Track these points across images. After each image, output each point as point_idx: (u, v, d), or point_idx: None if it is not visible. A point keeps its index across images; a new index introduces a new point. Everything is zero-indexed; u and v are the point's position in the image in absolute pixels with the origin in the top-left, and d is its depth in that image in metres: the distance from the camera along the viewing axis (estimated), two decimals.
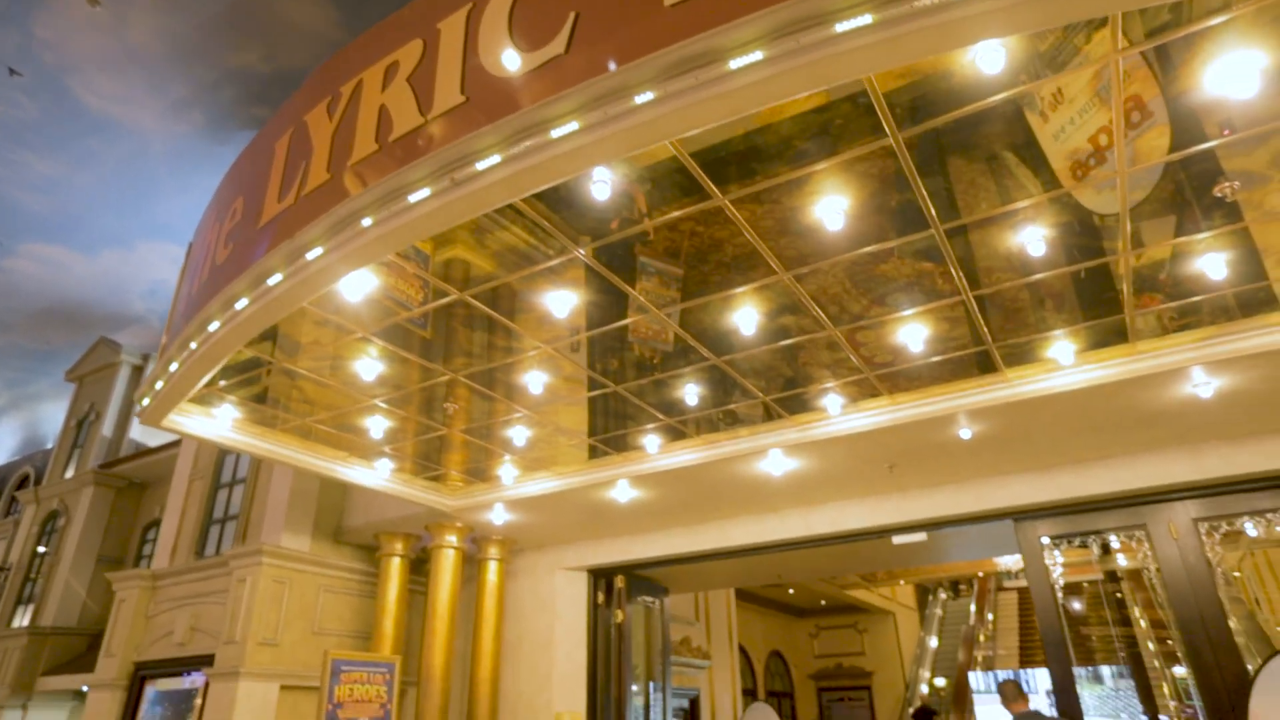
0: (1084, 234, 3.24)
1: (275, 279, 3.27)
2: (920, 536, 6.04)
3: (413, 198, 2.85)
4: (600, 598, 7.47)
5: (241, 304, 3.48)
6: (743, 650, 17.14)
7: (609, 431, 5.20)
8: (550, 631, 7.22)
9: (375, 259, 3.15)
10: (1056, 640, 5.43)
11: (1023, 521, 5.73)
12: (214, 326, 3.66)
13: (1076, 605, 14.56)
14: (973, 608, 20.71)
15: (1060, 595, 5.59)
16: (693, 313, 3.77)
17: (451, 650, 6.62)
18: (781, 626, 19.30)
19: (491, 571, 7.14)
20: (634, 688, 7.70)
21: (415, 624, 7.23)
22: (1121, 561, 9.47)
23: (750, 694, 17.08)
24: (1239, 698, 4.40)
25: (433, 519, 6.70)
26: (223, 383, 4.30)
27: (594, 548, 7.33)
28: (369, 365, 4.18)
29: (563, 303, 3.62)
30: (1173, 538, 5.23)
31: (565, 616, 7.28)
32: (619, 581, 7.48)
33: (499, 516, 6.54)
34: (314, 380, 4.39)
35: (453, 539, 6.82)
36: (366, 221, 2.97)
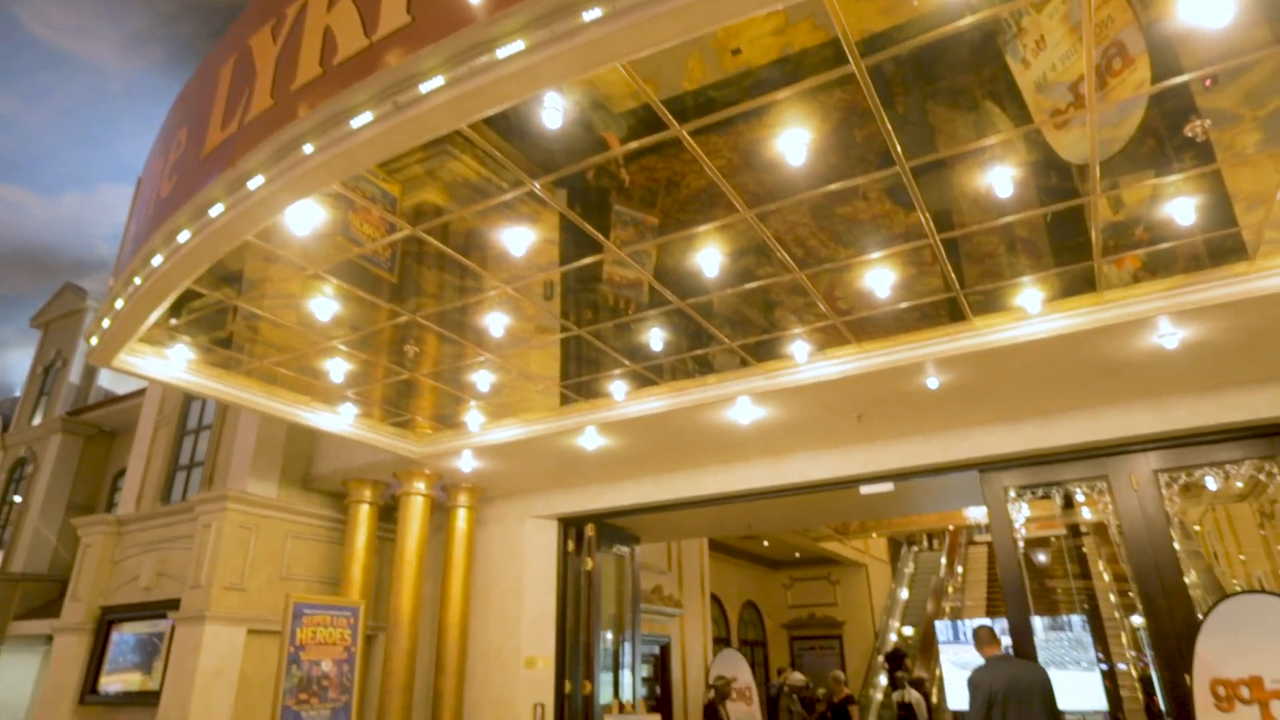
0: (1054, 174, 3.17)
1: (217, 210, 3.13)
2: (887, 487, 6.07)
3: (355, 123, 2.71)
4: (570, 546, 7.49)
5: (184, 237, 3.34)
6: (717, 600, 17.43)
7: (575, 377, 5.14)
8: (520, 579, 7.24)
9: (318, 188, 3.02)
10: (1016, 587, 5.50)
11: (988, 472, 5.77)
12: (157, 261, 3.53)
13: (1041, 557, 14.90)
14: (943, 561, 21.17)
15: (1022, 545, 5.65)
16: (655, 253, 3.68)
17: (420, 596, 6.64)
18: (756, 578, 19.62)
19: (461, 519, 7.13)
20: (607, 635, 7.79)
21: (384, 570, 7.23)
22: (1086, 514, 9.64)
23: (723, 642, 17.42)
24: (1187, 642, 4.49)
25: (401, 466, 6.65)
26: (174, 321, 4.17)
27: (564, 496, 7.33)
28: (325, 305, 4.07)
29: (519, 240, 3.51)
30: (1133, 489, 5.28)
31: (535, 564, 7.31)
32: (589, 530, 7.50)
33: (467, 464, 6.50)
34: (270, 320, 4.28)
35: (421, 486, 6.78)
36: (308, 148, 2.84)
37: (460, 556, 7.02)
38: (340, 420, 5.71)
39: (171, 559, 6.92)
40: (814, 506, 7.17)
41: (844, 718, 10.85)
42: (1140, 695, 13.12)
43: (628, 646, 7.84)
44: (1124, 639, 14.26)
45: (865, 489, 6.14)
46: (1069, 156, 3.08)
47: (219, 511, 6.47)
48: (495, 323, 4.29)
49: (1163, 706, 4.92)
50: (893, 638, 18.67)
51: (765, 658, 19.08)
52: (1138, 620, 14.05)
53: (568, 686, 7.01)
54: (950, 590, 19.92)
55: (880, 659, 18.13)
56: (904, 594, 21.32)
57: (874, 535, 16.65)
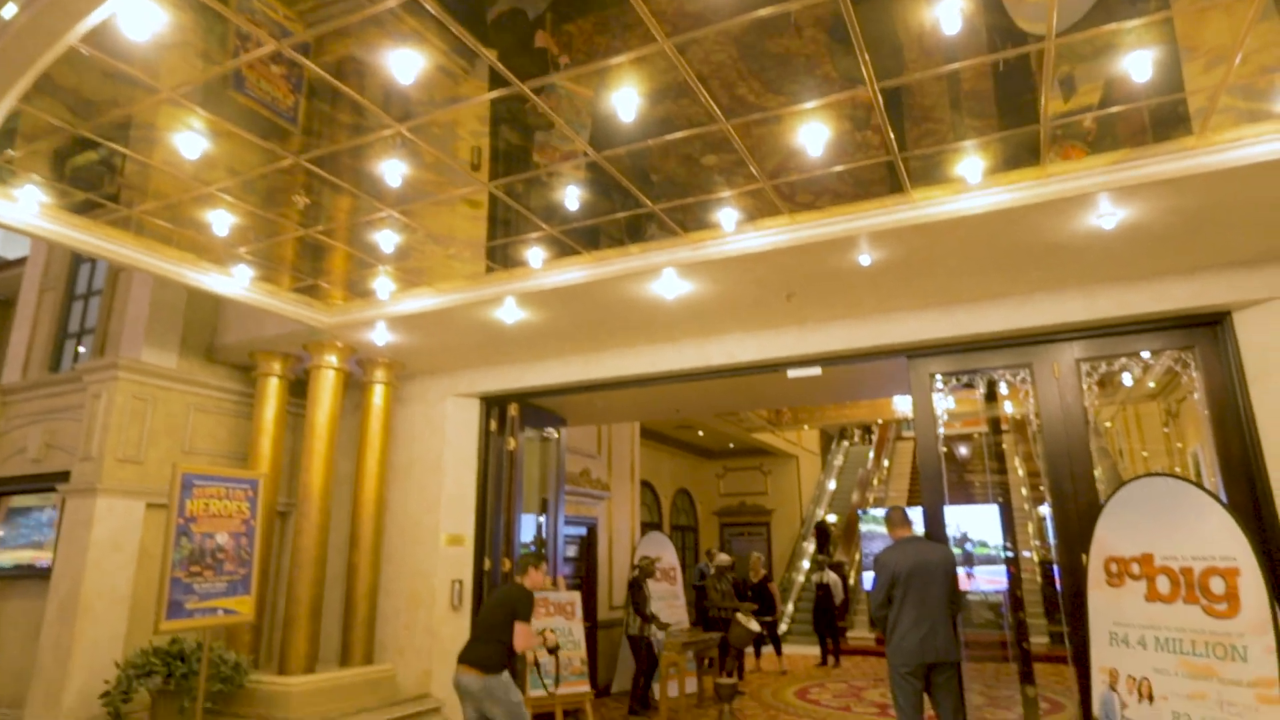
0: (1005, 14, 2.85)
1: (9, 11, 2.60)
2: (815, 371, 5.97)
3: None
4: (493, 425, 7.30)
5: None
6: (650, 487, 17.76)
7: (489, 241, 4.77)
8: (440, 457, 7.06)
9: None
10: (933, 473, 5.53)
11: (916, 358, 5.69)
12: None
13: (963, 450, 15.50)
14: (870, 455, 21.95)
15: (943, 437, 5.65)
16: (566, 92, 3.28)
17: (331, 471, 6.40)
18: (690, 467, 20.02)
19: (377, 395, 6.83)
20: (537, 518, 7.74)
21: (299, 447, 6.94)
22: (1007, 409, 9.89)
23: (655, 527, 17.89)
24: (1088, 525, 4.57)
25: (310, 338, 6.26)
26: (12, 153, 3.62)
27: (487, 374, 7.07)
28: (191, 140, 3.57)
29: (406, 66, 3.06)
30: (1054, 377, 5.27)
31: (456, 442, 7.12)
32: (512, 409, 7.30)
33: (380, 336, 6.14)
34: (131, 158, 3.76)
35: (333, 359, 6.42)
36: None
37: (377, 433, 6.76)
38: (234, 283, 5.25)
39: (61, 430, 6.49)
40: (742, 390, 7.08)
41: (763, 596, 11.29)
42: (1039, 578, 14.01)
43: (554, 526, 7.82)
44: (1030, 528, 15.12)
45: (793, 372, 6.03)
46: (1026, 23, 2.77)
47: (109, 381, 6.03)
48: (391, 171, 3.85)
49: (1058, 586, 5.08)
50: (817, 523, 19.47)
51: (696, 542, 19.74)
52: (1044, 510, 14.87)
53: (486, 563, 6.98)
54: (875, 482, 20.76)
55: (810, 530, 19.00)
56: (832, 485, 22.14)
57: (805, 427, 16.99)
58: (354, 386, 7.05)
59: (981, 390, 6.25)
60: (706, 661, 9.22)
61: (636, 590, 8.62)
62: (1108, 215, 4.00)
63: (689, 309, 5.51)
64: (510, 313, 5.60)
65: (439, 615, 6.73)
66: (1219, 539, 3.75)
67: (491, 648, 4.61)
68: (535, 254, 4.88)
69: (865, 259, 4.56)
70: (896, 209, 4.17)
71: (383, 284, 5.42)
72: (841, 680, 10.61)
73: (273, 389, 6.56)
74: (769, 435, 18.10)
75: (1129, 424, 13.82)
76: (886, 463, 21.35)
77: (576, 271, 5.04)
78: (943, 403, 5.73)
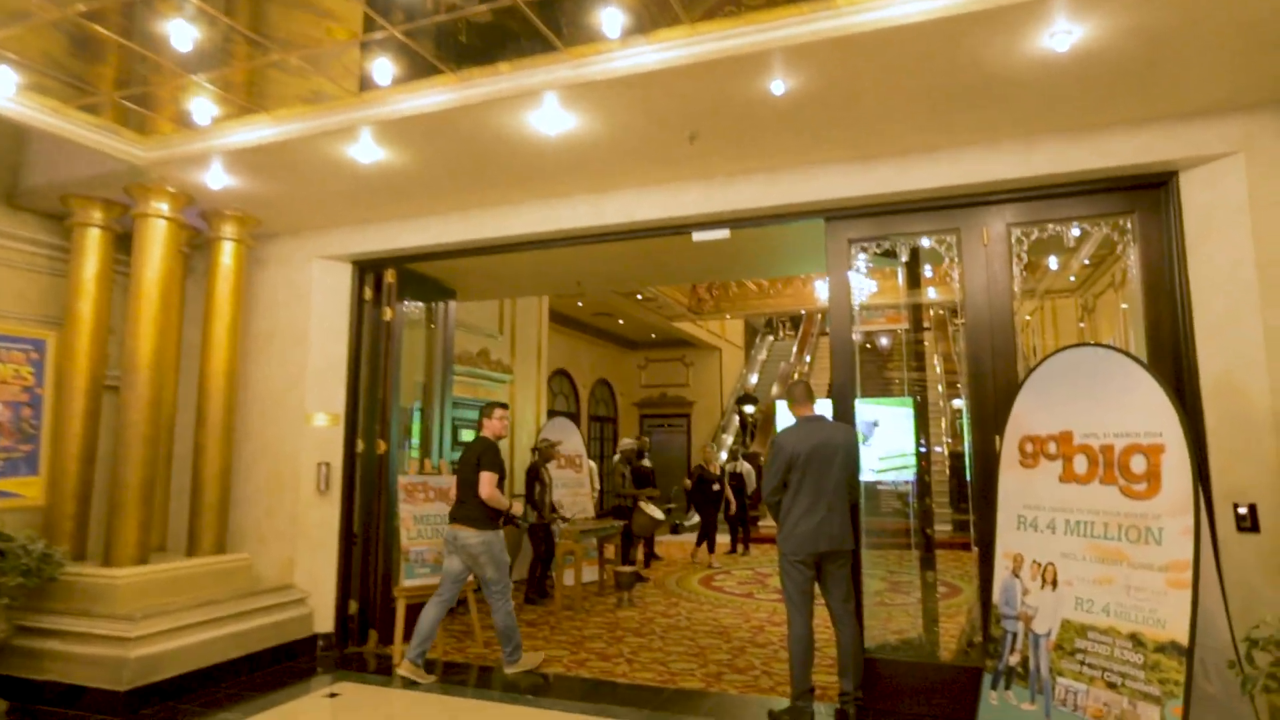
0: None
1: None
2: (723, 234, 5.31)
3: None
4: (367, 293, 6.46)
5: None
6: (568, 376, 17.24)
7: (308, 45, 3.82)
8: (305, 326, 6.23)
9: None
10: (846, 357, 5.03)
11: (834, 221, 5.09)
12: None
13: (884, 341, 15.40)
14: (794, 349, 21.89)
15: (858, 307, 5.13)
16: None
17: (167, 339, 5.51)
18: (611, 357, 19.55)
19: (227, 254, 5.88)
20: (414, 395, 7.05)
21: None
22: (931, 295, 9.59)
23: (573, 416, 17.50)
24: (1004, 407, 4.17)
25: (133, 179, 5.22)
26: None
27: (358, 234, 6.18)
28: None
29: None
30: (983, 245, 4.75)
31: (324, 311, 6.28)
32: (389, 276, 6.46)
33: (217, 179, 5.16)
34: None
35: (163, 207, 5.41)
36: None
37: (227, 296, 5.85)
38: None
39: None
40: (646, 258, 6.41)
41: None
42: (947, 469, 14.24)
43: (440, 408, 7.16)
44: (943, 423, 15.32)
45: (698, 235, 5.37)
46: None
47: None
48: None
49: (968, 475, 4.75)
50: (736, 418, 19.46)
51: (615, 433, 19.52)
52: (958, 404, 15.03)
53: (360, 445, 6.30)
54: (796, 376, 20.74)
55: (733, 402, 19.05)
56: (754, 379, 22.07)
57: (728, 317, 16.59)
58: (204, 246, 6.07)
59: (903, 275, 5.75)
60: (612, 550, 8.94)
61: (534, 476, 8.14)
62: (1062, 33, 3.35)
63: (578, 155, 4.72)
64: (367, 150, 4.70)
65: (304, 500, 6.08)
66: (1146, 414, 3.35)
67: (473, 505, 5.22)
68: (383, 68, 3.97)
69: (778, 85, 3.83)
70: (817, 17, 3.42)
71: (201, 106, 4.42)
72: (748, 567, 10.58)
73: (93, 242, 5.54)
74: (691, 326, 17.66)
75: (1044, 321, 13.87)
76: (809, 358, 21.32)
77: (438, 95, 4.16)
78: (862, 282, 5.20)
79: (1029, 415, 3.90)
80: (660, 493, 10.27)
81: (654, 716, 4.51)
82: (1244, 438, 3.96)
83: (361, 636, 6.15)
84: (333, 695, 4.93)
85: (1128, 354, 3.49)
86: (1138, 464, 3.34)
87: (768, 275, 6.75)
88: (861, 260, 5.15)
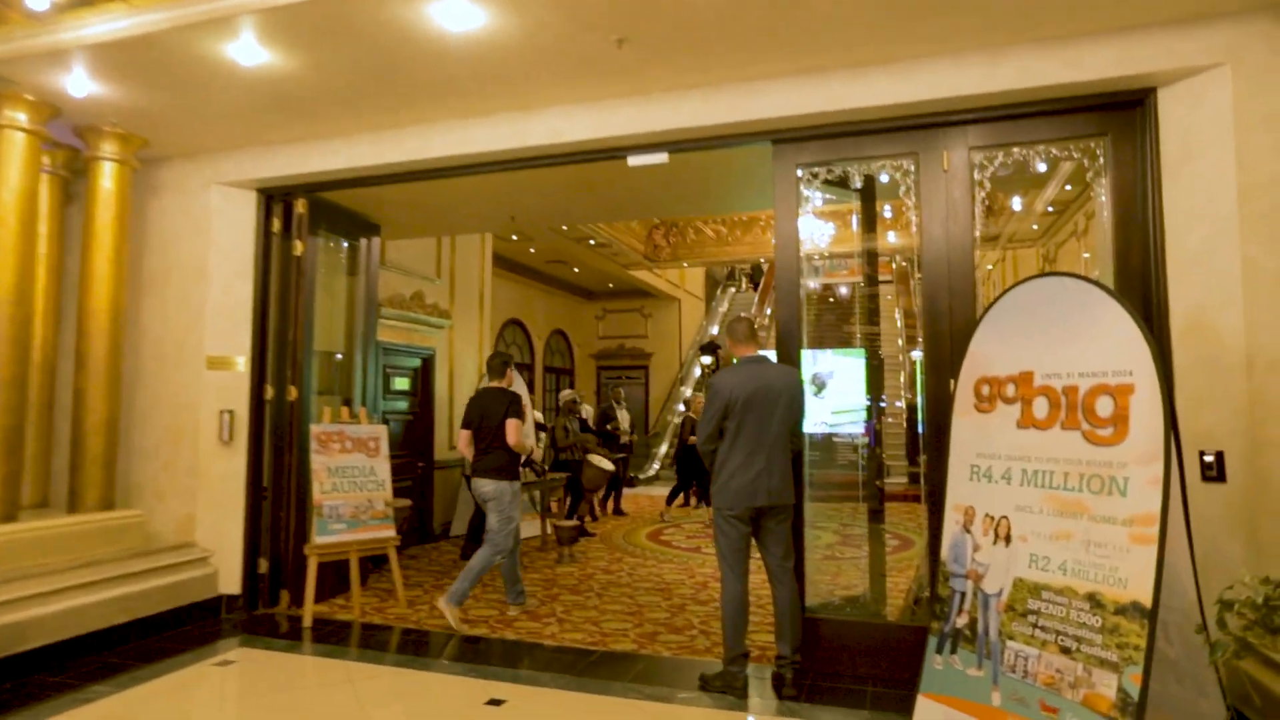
0: None
1: None
2: (660, 158, 4.81)
3: None
4: (275, 225, 5.85)
5: None
6: (522, 326, 16.69)
7: None
8: (204, 261, 5.63)
9: None
10: (792, 292, 4.60)
11: (783, 144, 4.61)
12: None
13: (844, 291, 15.07)
14: (755, 300, 21.53)
15: (808, 250, 4.70)
16: None
17: (23, 267, 4.81)
18: (568, 307, 19.02)
19: (107, 175, 5.22)
20: (359, 348, 6.50)
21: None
22: (892, 240, 9.21)
23: (525, 367, 17.01)
24: (961, 346, 3.79)
25: None
26: None
27: (261, 158, 5.54)
28: None
29: None
30: (943, 170, 4.32)
31: (226, 245, 5.67)
32: (299, 206, 5.85)
33: (80, 84, 4.48)
34: None
35: (19, 117, 4.71)
36: None
37: (108, 224, 5.21)
38: None
39: None
40: (581, 188, 5.87)
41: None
42: (904, 422, 14.06)
43: (364, 353, 6.62)
44: (902, 377, 15.13)
45: (634, 159, 4.86)
46: None
47: None
48: None
49: (920, 427, 4.40)
50: (696, 370, 19.13)
51: (571, 385, 19.09)
52: (916, 355, 14.85)
53: (268, 391, 5.76)
54: (755, 327, 20.46)
55: (694, 352, 18.72)
56: (714, 330, 21.68)
57: (685, 265, 16.09)
58: (81, 174, 5.38)
59: (858, 216, 5.32)
60: (557, 504, 8.56)
61: None
62: None
63: (493, 63, 4.15)
64: (250, 50, 4.08)
65: (206, 452, 5.55)
66: (1114, 351, 2.98)
67: (499, 454, 5.38)
68: None
69: None
70: None
71: None
72: (699, 520, 10.30)
73: None
74: (650, 276, 17.16)
75: (1006, 274, 13.63)
76: (769, 310, 20.97)
77: None
78: (814, 225, 4.77)
79: (987, 354, 3.52)
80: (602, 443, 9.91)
81: (575, 683, 4.15)
82: (1213, 380, 3.64)
83: (273, 597, 5.69)
84: (225, 663, 4.48)
85: (1097, 283, 3.10)
86: (1104, 406, 2.98)
87: (717, 211, 6.26)
88: (813, 193, 4.70)
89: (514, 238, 12.98)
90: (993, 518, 3.32)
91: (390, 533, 5.80)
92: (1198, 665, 2.86)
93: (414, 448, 8.41)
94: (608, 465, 8.66)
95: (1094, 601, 2.86)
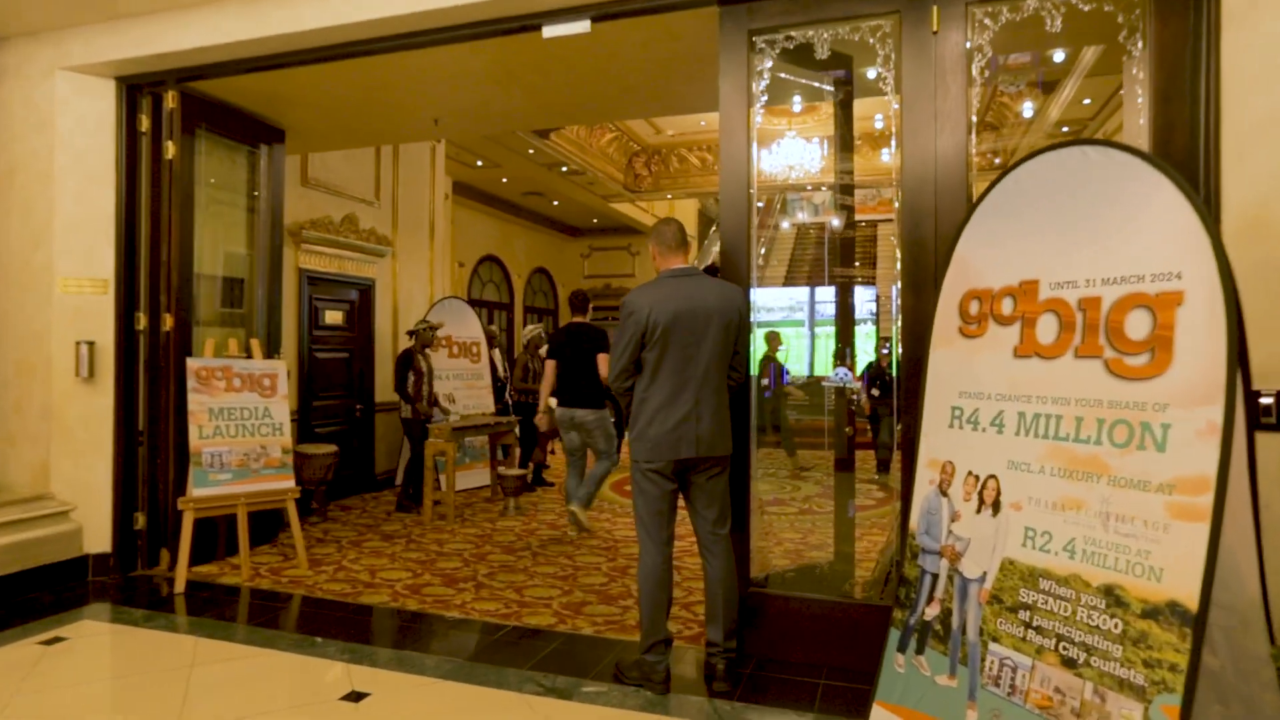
0: None
1: None
2: (581, 26, 3.84)
3: None
4: (143, 123, 4.92)
5: None
6: (499, 263, 15.75)
7: None
8: (50, 165, 4.72)
9: None
10: (739, 203, 3.68)
11: (732, 5, 3.64)
12: None
13: (836, 224, 14.05)
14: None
15: (755, 135, 3.76)
16: None
17: None
18: (551, 244, 18.04)
19: None
20: (262, 274, 5.61)
21: None
22: (886, 159, 8.23)
23: (504, 306, 16.14)
24: (948, 255, 2.91)
25: None
26: None
27: (114, 33, 4.59)
28: None
29: None
30: (931, 31, 3.36)
31: (78, 143, 4.76)
32: (170, 99, 4.91)
33: None
34: None
35: None
36: None
37: None
38: None
39: None
40: (502, 77, 4.87)
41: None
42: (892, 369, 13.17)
43: (268, 280, 5.74)
44: (898, 326, 14.22)
45: (550, 29, 3.89)
46: None
47: None
48: None
49: (894, 355, 3.54)
50: None
51: (555, 326, 18.27)
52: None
53: (140, 320, 4.92)
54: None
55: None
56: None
57: (669, 196, 15.03)
58: None
59: (834, 110, 4.38)
60: (503, 451, 7.78)
61: (406, 363, 6.86)
62: None
63: None
64: None
65: (61, 391, 4.74)
66: (1158, 246, 2.10)
67: (594, 385, 5.80)
68: None
69: None
70: None
71: None
72: None
73: None
74: (637, 211, 16.12)
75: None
76: (763, 250, 19.94)
77: None
78: (760, 85, 3.81)
79: (977, 261, 2.64)
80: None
81: (463, 670, 3.39)
82: (1276, 297, 2.75)
83: (152, 557, 4.96)
84: (55, 640, 3.74)
85: (1133, 150, 2.20)
86: (1137, 325, 2.11)
87: (668, 108, 5.31)
88: (769, 74, 3.74)
89: (505, 181, 11.94)
90: (977, 477, 2.49)
91: (288, 484, 5.02)
92: (1252, 684, 2.06)
93: (350, 388, 7.61)
94: None
95: (1113, 598, 2.04)
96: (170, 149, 4.90)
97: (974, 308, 2.61)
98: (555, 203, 15.18)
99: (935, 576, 2.54)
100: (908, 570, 2.67)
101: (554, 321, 18.22)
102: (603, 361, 5.79)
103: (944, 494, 2.59)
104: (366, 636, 3.84)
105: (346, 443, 7.43)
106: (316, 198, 7.11)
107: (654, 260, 3.40)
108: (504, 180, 12.95)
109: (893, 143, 3.44)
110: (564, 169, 11.85)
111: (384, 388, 7.92)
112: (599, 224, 17.57)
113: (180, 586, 4.49)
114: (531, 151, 10.78)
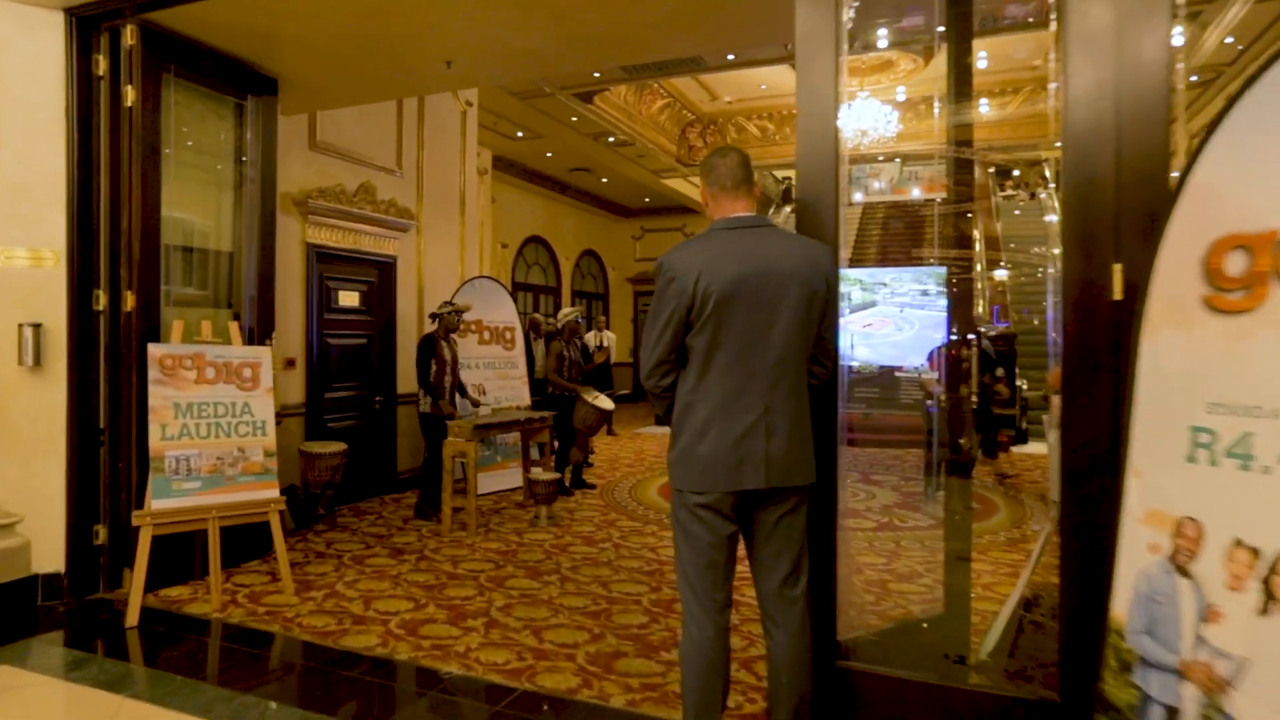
0: None
1: None
2: None
3: None
4: (100, 66, 4.16)
5: None
6: (545, 244, 14.96)
7: None
8: None
9: None
10: (822, 160, 2.68)
11: None
12: None
13: (917, 193, 12.77)
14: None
15: (843, 59, 2.74)
16: None
17: None
18: (601, 225, 17.17)
19: None
20: (253, 247, 4.87)
21: None
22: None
23: (550, 290, 15.34)
24: (1139, 207, 1.88)
25: None
26: None
27: None
28: None
29: None
30: None
31: (17, 90, 4.02)
32: (128, 35, 4.13)
33: None
34: None
35: None
36: None
37: None
38: None
39: None
40: (516, 4, 3.94)
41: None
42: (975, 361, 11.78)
43: (256, 253, 4.96)
44: (981, 306, 12.88)
45: None
46: None
47: None
48: None
49: (1053, 340, 2.49)
50: None
51: (606, 312, 17.44)
52: (1002, 274, 12.54)
53: (99, 300, 4.18)
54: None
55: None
56: None
57: None
58: None
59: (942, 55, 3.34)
60: (543, 450, 6.92)
61: (429, 349, 6.05)
62: None
63: None
64: None
65: (1, 381, 4.02)
66: None
67: None
68: None
69: None
70: None
71: None
72: None
73: None
74: (690, 188, 15.07)
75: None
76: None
77: None
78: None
79: (1242, 186, 1.60)
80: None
81: None
82: None
83: (115, 578, 4.24)
84: None
85: None
86: None
87: (727, 42, 4.31)
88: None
89: (549, 155, 10.96)
90: (1254, 551, 1.45)
91: (271, 493, 4.24)
92: None
93: (369, 378, 6.84)
94: (607, 404, 6.95)
95: None
96: (130, 95, 4.12)
97: (1235, 263, 1.57)
98: (604, 180, 14.28)
99: (1174, 712, 1.52)
100: (1113, 689, 1.65)
101: (604, 307, 17.36)
102: None
103: (1183, 572, 1.56)
104: (329, 699, 3.00)
105: (364, 439, 6.68)
106: (327, 163, 6.32)
107: (705, 206, 2.43)
108: (548, 155, 12.09)
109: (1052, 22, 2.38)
110: (611, 139, 10.91)
111: (406, 377, 7.13)
112: (651, 203, 16.62)
113: (133, 619, 3.74)
114: (575, 119, 9.87)
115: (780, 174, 20.32)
